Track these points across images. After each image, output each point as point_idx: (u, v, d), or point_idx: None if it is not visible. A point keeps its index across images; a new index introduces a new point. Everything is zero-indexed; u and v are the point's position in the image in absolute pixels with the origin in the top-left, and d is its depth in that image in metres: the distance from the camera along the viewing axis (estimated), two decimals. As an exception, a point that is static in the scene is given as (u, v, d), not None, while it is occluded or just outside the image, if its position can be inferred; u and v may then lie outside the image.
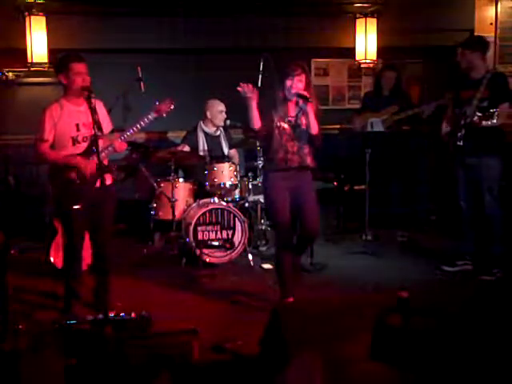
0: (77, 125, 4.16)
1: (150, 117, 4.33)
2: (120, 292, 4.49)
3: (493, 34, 7.16)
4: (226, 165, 5.82)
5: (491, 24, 7.25)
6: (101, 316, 3.60)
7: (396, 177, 6.67)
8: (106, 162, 4.26)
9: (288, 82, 4.22)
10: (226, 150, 6.34)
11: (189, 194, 5.99)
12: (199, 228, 5.59)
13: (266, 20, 7.10)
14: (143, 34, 6.84)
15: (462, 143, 5.04)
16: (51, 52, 6.46)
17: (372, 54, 7.34)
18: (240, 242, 5.67)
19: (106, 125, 4.25)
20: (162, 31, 6.93)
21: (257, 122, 4.17)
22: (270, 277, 4.96)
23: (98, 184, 4.11)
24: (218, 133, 6.36)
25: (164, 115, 4.42)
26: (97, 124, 3.82)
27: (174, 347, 3.40)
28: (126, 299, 4.42)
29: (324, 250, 5.85)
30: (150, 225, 6.04)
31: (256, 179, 6.12)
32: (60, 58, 4.25)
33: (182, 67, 7.15)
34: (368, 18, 7.28)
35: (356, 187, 6.85)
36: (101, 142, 4.02)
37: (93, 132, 3.99)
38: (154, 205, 5.95)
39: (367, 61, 7.39)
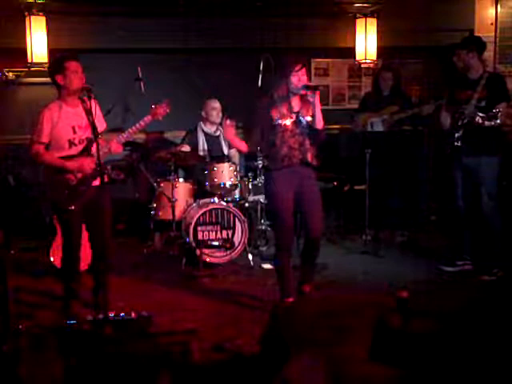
0: (73, 127, 4.16)
1: (146, 120, 4.35)
2: (120, 292, 4.49)
3: (493, 34, 7.16)
4: (226, 165, 5.81)
5: (491, 24, 7.25)
6: (101, 316, 3.60)
7: (396, 177, 6.67)
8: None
9: (294, 78, 4.21)
10: (225, 150, 6.35)
11: (189, 194, 5.99)
12: (199, 228, 5.59)
13: (266, 20, 7.09)
14: (143, 33, 6.84)
15: (460, 144, 5.05)
16: (51, 52, 6.45)
17: (372, 54, 7.34)
18: (240, 242, 5.67)
19: (100, 124, 4.25)
20: (162, 31, 6.93)
21: (257, 145, 4.37)
22: (270, 277, 4.96)
23: (92, 184, 4.16)
24: (218, 133, 6.37)
25: (160, 118, 4.42)
26: (93, 126, 3.87)
27: (173, 347, 3.40)
28: (126, 299, 4.42)
29: (324, 250, 5.83)
30: (150, 225, 6.04)
31: (256, 179, 6.12)
32: (55, 59, 4.26)
33: (182, 67, 7.15)
34: (368, 18, 7.27)
35: (356, 187, 6.86)
36: (95, 146, 4.04)
37: (89, 134, 4.09)
38: (154, 205, 5.96)
39: (367, 61, 7.38)
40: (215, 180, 5.78)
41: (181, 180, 6.00)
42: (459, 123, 5.02)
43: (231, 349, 3.66)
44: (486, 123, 4.81)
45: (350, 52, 7.44)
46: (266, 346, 3.21)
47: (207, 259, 5.54)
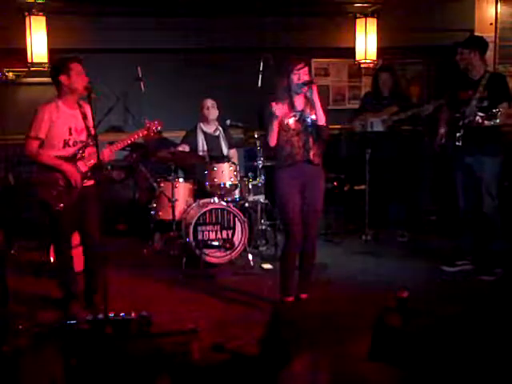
0: (70, 128, 4.21)
1: (140, 133, 4.52)
2: (120, 292, 4.49)
3: (493, 34, 7.17)
4: (226, 165, 5.81)
5: (491, 24, 7.26)
6: (101, 316, 3.60)
7: (396, 177, 6.67)
8: (90, 166, 4.30)
9: (294, 77, 4.22)
10: (225, 150, 6.34)
11: (189, 194, 5.99)
12: (199, 228, 5.59)
13: (266, 20, 7.09)
14: (143, 33, 6.84)
15: (461, 143, 5.05)
16: (51, 52, 6.46)
17: (372, 54, 7.34)
18: (240, 242, 5.67)
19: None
20: (162, 31, 6.93)
21: (274, 140, 4.25)
22: (270, 277, 4.96)
23: (83, 185, 4.25)
24: (218, 133, 6.37)
25: (152, 135, 4.59)
26: (89, 131, 4.02)
27: (174, 347, 3.41)
28: (126, 299, 4.42)
29: (324, 250, 5.85)
30: (150, 225, 6.04)
31: (256, 179, 6.12)
32: (60, 60, 4.30)
33: (181, 67, 7.15)
34: (368, 18, 7.27)
35: (356, 187, 6.86)
36: (89, 150, 4.24)
37: (84, 138, 4.21)
38: (154, 205, 5.96)
39: (367, 61, 7.39)
40: (215, 180, 5.77)
41: (181, 180, 6.00)
42: (460, 123, 5.02)
43: (231, 349, 3.66)
44: (486, 123, 4.81)
45: (350, 52, 7.43)
46: (266, 346, 3.21)
47: (207, 259, 5.54)
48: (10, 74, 6.79)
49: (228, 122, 6.27)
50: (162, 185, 5.93)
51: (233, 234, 5.68)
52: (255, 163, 6.12)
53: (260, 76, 6.00)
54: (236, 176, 5.84)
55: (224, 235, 5.66)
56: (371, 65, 7.44)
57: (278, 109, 4.20)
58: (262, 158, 6.05)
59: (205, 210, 5.60)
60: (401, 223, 6.57)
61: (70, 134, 4.21)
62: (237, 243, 5.67)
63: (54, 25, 6.57)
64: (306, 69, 4.25)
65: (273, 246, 5.98)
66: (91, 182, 4.32)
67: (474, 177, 5.11)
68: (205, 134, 6.31)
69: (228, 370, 3.33)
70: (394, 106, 6.53)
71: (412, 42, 7.38)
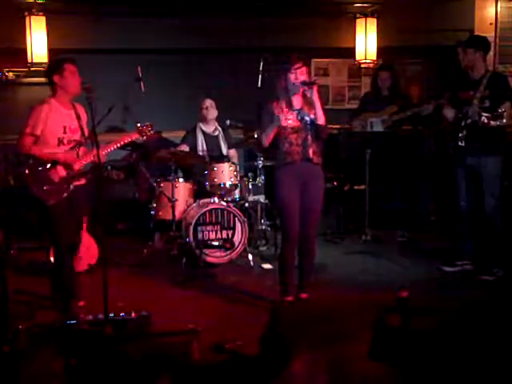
0: (64, 127, 4.27)
1: (132, 136, 4.58)
2: (120, 292, 4.48)
3: (493, 34, 7.17)
4: (226, 165, 5.81)
5: (491, 24, 7.26)
6: (101, 316, 3.60)
7: (396, 177, 6.67)
8: (81, 166, 4.34)
9: (292, 76, 4.22)
10: (224, 150, 6.34)
11: (189, 194, 5.99)
12: (199, 228, 5.59)
13: (266, 20, 7.09)
14: (143, 33, 6.84)
15: (463, 144, 5.04)
16: (51, 52, 6.46)
17: (372, 54, 7.34)
18: (240, 242, 5.67)
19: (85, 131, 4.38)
20: (161, 31, 6.93)
21: (269, 141, 4.27)
22: (270, 277, 4.96)
23: (75, 183, 4.29)
24: (217, 133, 6.37)
25: (144, 138, 4.63)
26: (82, 130, 4.13)
27: (174, 347, 3.40)
28: (126, 299, 4.42)
29: (324, 250, 5.85)
30: (150, 225, 6.04)
31: (256, 179, 6.12)
32: (54, 60, 4.41)
33: (182, 67, 7.15)
34: (368, 18, 7.28)
35: (356, 187, 6.85)
36: (82, 149, 4.30)
37: (78, 137, 4.28)
38: (154, 205, 5.95)
39: (367, 61, 7.39)
40: (215, 180, 5.77)
41: (181, 180, 6.00)
42: (462, 123, 5.01)
43: (231, 349, 3.66)
44: (492, 123, 4.79)
45: (350, 52, 7.44)
46: (266, 346, 3.21)
47: (207, 259, 5.54)
48: (10, 74, 6.79)
49: (228, 122, 6.27)
50: (161, 185, 5.92)
51: (233, 234, 5.68)
52: (255, 163, 6.13)
53: (260, 76, 5.99)
54: (236, 176, 5.84)
55: (224, 235, 5.66)
56: (371, 65, 7.44)
57: (279, 112, 4.21)
58: (261, 158, 6.05)
59: (205, 209, 5.60)
60: (401, 223, 6.57)
61: (65, 132, 4.26)
62: (237, 243, 5.67)
63: (53, 25, 6.58)
64: (305, 69, 4.25)
65: (273, 246, 5.98)
66: (83, 182, 4.37)
67: (476, 177, 5.11)
68: (204, 133, 6.32)
69: (228, 370, 3.33)
70: (394, 105, 6.54)
71: (412, 41, 7.38)
